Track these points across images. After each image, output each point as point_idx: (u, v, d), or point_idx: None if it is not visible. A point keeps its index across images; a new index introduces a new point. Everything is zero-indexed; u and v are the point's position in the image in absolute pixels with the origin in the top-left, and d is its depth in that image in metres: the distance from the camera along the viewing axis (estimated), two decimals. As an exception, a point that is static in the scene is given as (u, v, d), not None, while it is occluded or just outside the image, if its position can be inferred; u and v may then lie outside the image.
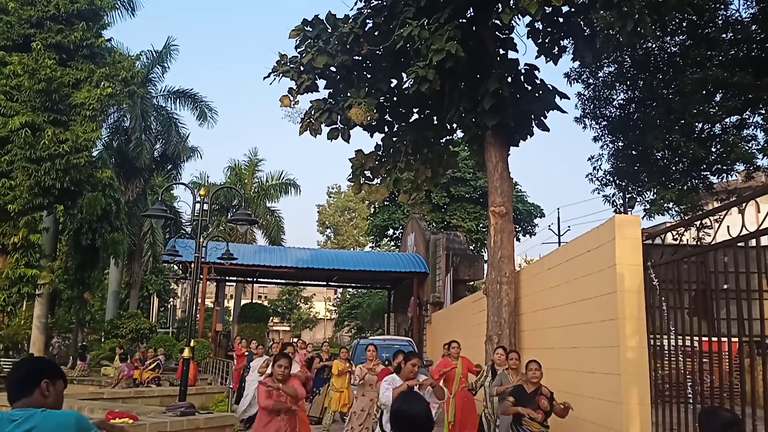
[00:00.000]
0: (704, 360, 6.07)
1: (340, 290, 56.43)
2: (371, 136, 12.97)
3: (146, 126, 26.64)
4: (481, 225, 28.77)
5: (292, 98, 11.87)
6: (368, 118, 11.18)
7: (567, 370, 8.55)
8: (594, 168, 15.24)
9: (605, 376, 7.26)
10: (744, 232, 5.27)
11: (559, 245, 28.58)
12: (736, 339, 5.82)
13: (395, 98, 12.44)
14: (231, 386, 13.08)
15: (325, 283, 31.16)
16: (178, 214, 29.87)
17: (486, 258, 14.04)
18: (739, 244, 5.46)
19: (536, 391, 6.60)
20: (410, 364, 5.89)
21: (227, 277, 30.50)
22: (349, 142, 12.40)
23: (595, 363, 7.57)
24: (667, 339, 6.70)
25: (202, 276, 21.62)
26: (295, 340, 17.60)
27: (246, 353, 14.99)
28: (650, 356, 6.86)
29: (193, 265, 10.08)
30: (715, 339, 5.88)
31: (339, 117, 12.10)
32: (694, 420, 5.89)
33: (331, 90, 12.25)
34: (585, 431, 7.71)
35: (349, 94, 11.59)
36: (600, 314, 7.48)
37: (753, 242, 5.24)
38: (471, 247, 27.69)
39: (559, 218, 35.48)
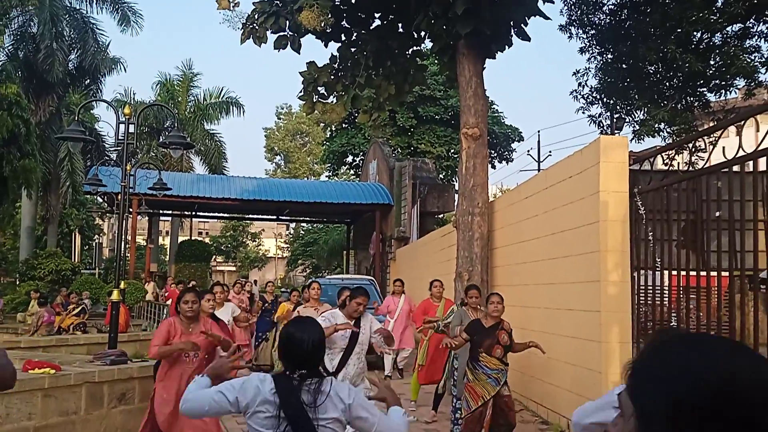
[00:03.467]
0: (692, 296, 6.33)
1: (292, 225, 56.46)
2: (326, 45, 12.68)
3: (58, 32, 25.51)
4: (452, 150, 28.84)
5: (231, -1, 11.45)
6: (322, 24, 10.89)
7: (543, 308, 8.83)
8: (579, 84, 15.26)
9: (584, 314, 7.52)
10: (740, 153, 5.39)
11: (539, 172, 28.99)
12: (727, 273, 6.07)
13: (354, 0, 12.11)
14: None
15: (275, 217, 31.11)
16: (100, 137, 29.04)
17: (457, 187, 14.15)
18: (734, 168, 5.59)
19: (496, 326, 6.83)
20: (355, 302, 6.00)
21: (161, 211, 30.17)
22: (299, 53, 12.11)
23: (574, 299, 7.82)
24: (653, 273, 6.94)
25: (131, 209, 21.29)
26: (243, 280, 17.71)
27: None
28: (633, 292, 7.12)
29: (120, 197, 9.91)
30: (704, 273, 6.11)
31: (288, 22, 11.75)
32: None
33: (277, -11, 11.84)
34: (561, 372, 8.05)
35: (298, -5, 11.22)
36: (581, 246, 7.67)
37: (750, 166, 5.37)
38: (441, 176, 27.83)
39: (539, 142, 35.87)
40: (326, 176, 40.53)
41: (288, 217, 32.94)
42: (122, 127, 9.70)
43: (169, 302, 17.13)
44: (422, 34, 12.65)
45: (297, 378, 2.96)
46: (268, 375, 3.01)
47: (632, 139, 14.22)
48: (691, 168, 7.60)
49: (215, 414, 3.18)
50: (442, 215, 26.74)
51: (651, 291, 7.07)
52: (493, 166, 31.81)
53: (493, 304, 6.87)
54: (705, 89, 13.89)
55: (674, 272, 6.53)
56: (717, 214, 5.91)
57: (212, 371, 3.18)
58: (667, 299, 6.87)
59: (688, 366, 0.93)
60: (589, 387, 7.37)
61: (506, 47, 11.65)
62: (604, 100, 15.14)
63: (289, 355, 3.03)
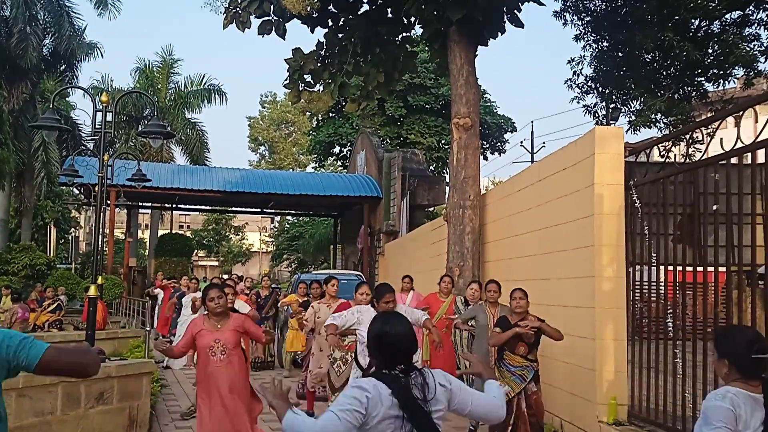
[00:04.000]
0: (688, 292, 6.37)
1: (277, 219, 56.35)
2: (312, 31, 12.63)
3: (32, 16, 25.30)
4: (443, 141, 28.85)
5: (213, -18, 11.38)
6: (308, 8, 10.85)
7: (536, 304, 8.81)
8: (574, 73, 15.31)
9: (578, 310, 7.56)
10: (739, 145, 5.42)
11: (532, 164, 29.04)
12: (724, 268, 6.11)
13: (341, -16, 12.08)
14: (149, 328, 13.10)
15: (259, 210, 31.02)
16: (77, 126, 28.84)
17: (448, 179, 14.16)
18: (732, 160, 5.62)
19: (522, 321, 6.79)
20: (383, 302, 6.07)
21: (140, 203, 30.00)
22: (284, 38, 12.06)
23: (568, 295, 7.86)
24: (649, 268, 6.98)
25: (108, 201, 21.17)
26: (225, 276, 17.66)
27: (173, 289, 15.03)
28: (628, 287, 7.16)
29: (97, 189, 9.85)
30: (701, 269, 6.15)
31: (272, 6, 11.70)
32: (673, 357, 6.23)
33: (261, -28, 11.77)
34: (554, 370, 8.09)
35: (283, -22, 11.16)
36: (575, 241, 7.70)
37: (748, 158, 5.41)
38: (431, 168, 27.84)
39: (532, 133, 35.82)
40: (312, 167, 40.50)
41: (273, 210, 32.85)
42: (99, 115, 9.62)
43: (159, 297, 17.04)
44: (412, 19, 12.63)
45: (401, 375, 2.91)
46: (372, 379, 2.89)
47: (628, 129, 14.28)
48: (688, 160, 7.63)
49: None
50: (432, 208, 26.77)
51: (647, 287, 7.11)
52: (485, 158, 31.87)
53: (516, 299, 6.80)
54: (703, 79, 13.97)
55: (670, 267, 6.57)
56: (714, 207, 5.95)
57: (285, 404, 2.88)
58: (663, 295, 6.92)
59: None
60: (583, 385, 7.41)
61: (499, 34, 11.66)
62: (600, 89, 15.20)
63: (389, 351, 2.96)
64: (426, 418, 2.85)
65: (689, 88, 14.11)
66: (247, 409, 5.94)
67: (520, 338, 6.66)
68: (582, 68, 15.28)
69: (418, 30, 13.74)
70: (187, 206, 31.61)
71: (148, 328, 12.50)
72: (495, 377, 3.26)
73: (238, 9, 11.68)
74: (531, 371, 6.74)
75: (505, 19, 11.53)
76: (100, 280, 11.39)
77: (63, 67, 27.73)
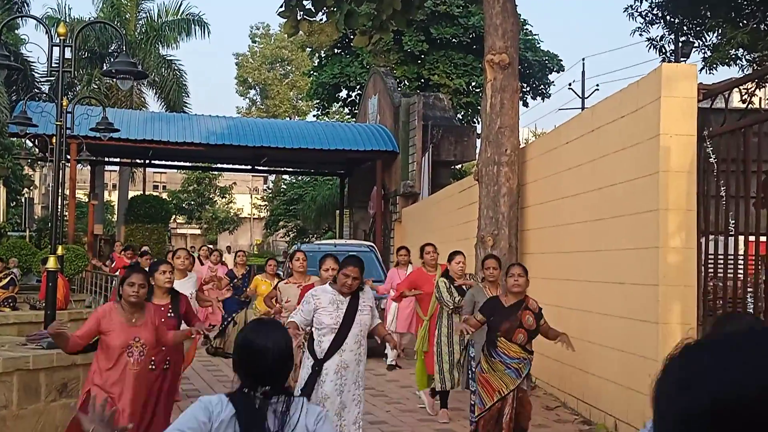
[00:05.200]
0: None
1: (271, 178, 56.48)
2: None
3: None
4: (473, 83, 28.69)
5: None
6: None
7: (586, 282, 8.91)
8: (636, -2, 15.13)
9: (638, 288, 7.57)
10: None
11: (583, 111, 28.70)
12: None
13: None
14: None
15: (249, 167, 31.02)
16: (28, 64, 28.86)
17: (479, 130, 14.10)
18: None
19: (519, 304, 6.81)
20: (342, 273, 6.14)
21: (107, 159, 30.12)
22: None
23: (625, 270, 7.87)
24: (725, 238, 6.96)
25: (68, 156, 21.25)
26: (211, 247, 17.77)
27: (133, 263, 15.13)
28: (699, 261, 7.15)
29: (54, 140, 9.90)
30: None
31: None
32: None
33: None
34: (607, 360, 8.14)
35: None
36: (635, 204, 7.68)
37: None
38: (458, 116, 27.71)
39: (583, 73, 35.45)
40: (314, 116, 40.43)
41: (266, 168, 32.88)
42: (56, 51, 9.63)
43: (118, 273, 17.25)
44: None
45: (260, 396, 2.96)
46: (222, 395, 2.99)
47: (702, 68, 14.13)
48: (775, 106, 7.56)
49: None
50: (460, 165, 26.70)
51: (722, 260, 7.10)
52: (526, 104, 31.68)
53: (513, 277, 6.82)
54: (796, 5, 13.75)
55: (751, 237, 6.55)
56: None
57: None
58: (741, 271, 6.91)
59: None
60: (641, 378, 7.44)
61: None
62: (668, 18, 15.01)
63: (249, 367, 3.01)
64: None
65: (778, 18, 13.90)
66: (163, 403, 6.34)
67: (520, 323, 6.70)
68: (646, -8, 15.10)
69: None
70: (163, 162, 31.62)
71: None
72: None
73: None
74: (527, 366, 6.84)
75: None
76: (60, 251, 11.51)
77: (10, -9, 27.65)
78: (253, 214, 68.54)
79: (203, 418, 2.87)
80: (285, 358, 3.07)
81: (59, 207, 10.68)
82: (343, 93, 33.58)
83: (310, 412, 3.05)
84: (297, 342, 8.92)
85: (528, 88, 31.02)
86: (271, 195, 57.06)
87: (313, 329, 6.30)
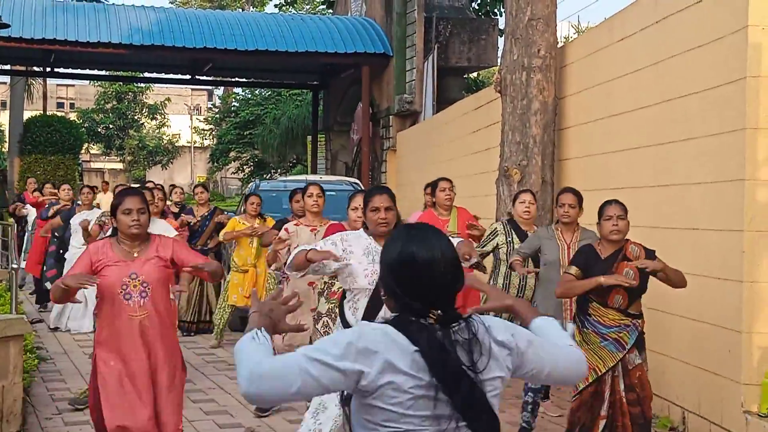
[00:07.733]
0: None
1: (218, 92, 56.17)
2: None
3: None
4: (492, -39, 28.51)
5: None
6: None
7: (648, 227, 8.92)
8: None
9: (717, 234, 7.63)
10: None
11: None
12: None
13: None
14: (17, 266, 13.30)
15: (188, 77, 30.84)
16: None
17: (502, 25, 14.02)
18: None
19: (617, 253, 6.80)
20: (378, 214, 5.98)
21: (-6, 66, 29.99)
22: None
23: (700, 212, 7.93)
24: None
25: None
26: (152, 183, 17.72)
27: (53, 204, 15.16)
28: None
29: None
30: None
31: None
32: None
33: None
34: (674, 333, 8.23)
35: None
36: (713, 123, 7.70)
37: None
38: (474, 5, 27.53)
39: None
40: (275, 6, 40.09)
41: (210, 78, 32.70)
42: None
43: (31, 219, 17.33)
44: None
45: (436, 325, 2.93)
46: (385, 325, 2.93)
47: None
48: None
49: (307, 397, 3.14)
50: (476, 73, 26.61)
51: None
52: (565, -11, 31.45)
53: (610, 219, 6.76)
54: None
55: None
56: None
57: (263, 320, 3.04)
58: None
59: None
60: (719, 356, 7.53)
61: None
62: None
63: (416, 287, 2.96)
64: (475, 395, 2.87)
65: None
66: (170, 382, 6.14)
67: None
68: None
69: None
70: (70, 71, 31.39)
71: (14, 266, 12.65)
72: (540, 314, 3.35)
73: None
74: (633, 333, 6.79)
75: None
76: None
77: None
78: (195, 142, 68.45)
79: (362, 349, 2.85)
80: (456, 270, 3.05)
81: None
82: (317, -25, 33.37)
83: (493, 326, 3.02)
84: (284, 245, 9.04)
85: (568, -32, 30.82)
86: (218, 116, 56.91)
87: (346, 291, 6.25)
